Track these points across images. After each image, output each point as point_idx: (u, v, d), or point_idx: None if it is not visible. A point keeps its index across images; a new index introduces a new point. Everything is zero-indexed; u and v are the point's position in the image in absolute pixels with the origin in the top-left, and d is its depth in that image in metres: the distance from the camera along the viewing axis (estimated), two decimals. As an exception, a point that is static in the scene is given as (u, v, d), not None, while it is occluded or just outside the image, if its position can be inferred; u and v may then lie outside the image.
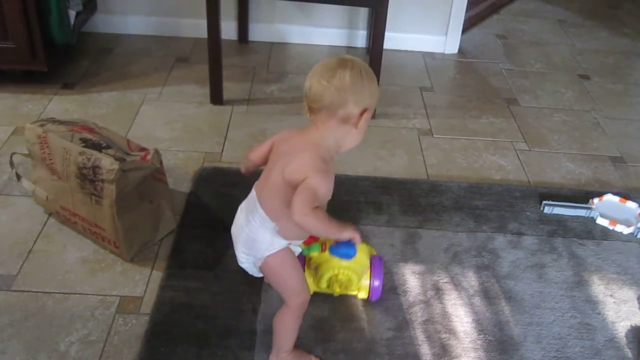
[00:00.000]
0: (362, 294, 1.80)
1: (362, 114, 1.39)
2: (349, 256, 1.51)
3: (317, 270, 1.72)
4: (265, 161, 1.55)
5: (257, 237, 1.49)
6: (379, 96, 1.45)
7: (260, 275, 1.58)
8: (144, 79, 2.93)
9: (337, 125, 1.40)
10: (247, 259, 1.53)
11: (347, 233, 1.43)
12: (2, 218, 2.04)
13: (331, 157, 1.44)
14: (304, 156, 1.40)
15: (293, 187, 1.38)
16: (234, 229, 1.56)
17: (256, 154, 1.59)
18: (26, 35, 2.56)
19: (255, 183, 1.54)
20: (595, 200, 2.26)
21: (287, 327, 1.57)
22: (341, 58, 1.40)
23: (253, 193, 1.53)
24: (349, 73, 1.36)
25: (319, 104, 1.38)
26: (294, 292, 1.54)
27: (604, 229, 2.17)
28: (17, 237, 1.97)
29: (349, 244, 1.47)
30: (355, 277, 1.71)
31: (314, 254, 1.70)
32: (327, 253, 1.66)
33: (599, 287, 1.94)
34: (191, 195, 2.19)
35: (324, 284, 1.73)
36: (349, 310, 1.79)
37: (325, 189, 1.39)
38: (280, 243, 1.49)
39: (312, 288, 1.74)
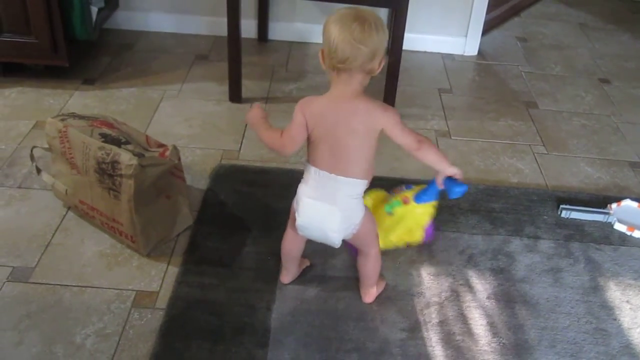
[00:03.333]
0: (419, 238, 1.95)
1: (380, 62, 1.51)
2: (463, 191, 1.65)
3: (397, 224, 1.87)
4: (301, 144, 1.61)
5: (352, 207, 1.61)
6: None
7: (339, 244, 1.66)
8: (163, 75, 2.95)
9: (363, 76, 1.52)
10: (343, 234, 1.64)
11: (455, 168, 1.65)
12: (21, 211, 2.06)
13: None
14: (365, 110, 1.53)
15: (374, 137, 1.55)
16: (312, 221, 1.63)
17: (297, 140, 1.59)
18: (48, 31, 2.59)
19: (318, 167, 1.58)
20: (614, 205, 2.24)
21: (378, 268, 1.78)
22: (358, 13, 1.47)
23: (322, 175, 1.57)
24: (374, 29, 1.45)
25: (351, 65, 1.47)
26: (376, 241, 1.74)
27: (621, 235, 2.16)
28: (35, 229, 1.99)
29: (456, 181, 1.65)
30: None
31: (398, 208, 1.84)
32: (410, 205, 1.83)
33: (615, 293, 1.92)
34: (208, 192, 2.20)
35: (402, 235, 1.89)
36: (362, 310, 1.79)
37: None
38: (362, 202, 1.64)
39: (382, 244, 1.84)
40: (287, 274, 1.86)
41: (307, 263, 1.91)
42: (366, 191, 1.81)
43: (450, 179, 1.66)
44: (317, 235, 1.67)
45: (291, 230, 1.75)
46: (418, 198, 1.82)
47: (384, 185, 2.25)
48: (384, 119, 1.54)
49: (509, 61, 3.37)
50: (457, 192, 1.65)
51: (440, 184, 1.71)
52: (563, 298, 1.89)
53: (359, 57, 1.45)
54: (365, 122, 1.53)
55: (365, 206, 1.66)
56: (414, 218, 1.87)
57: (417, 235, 1.93)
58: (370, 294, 1.81)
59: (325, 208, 1.59)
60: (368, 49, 1.45)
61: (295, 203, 1.67)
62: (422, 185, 1.84)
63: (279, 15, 3.34)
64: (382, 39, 1.48)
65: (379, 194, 1.95)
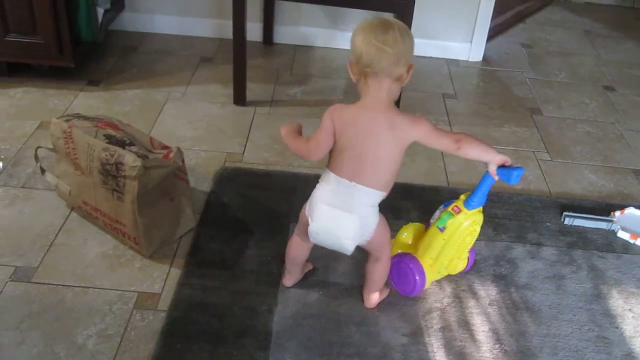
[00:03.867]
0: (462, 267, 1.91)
1: (408, 70, 1.52)
2: (522, 173, 1.63)
3: (447, 242, 1.79)
4: (327, 151, 1.61)
5: (369, 214, 1.61)
6: None
7: (352, 251, 1.66)
8: (168, 78, 2.96)
9: (391, 84, 1.52)
10: (358, 241, 1.64)
11: (502, 155, 1.63)
12: (25, 211, 2.06)
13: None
14: (395, 122, 1.54)
15: (402, 150, 1.57)
16: (327, 228, 1.61)
17: (320, 149, 1.60)
18: (54, 31, 2.59)
19: (338, 174, 1.57)
20: (617, 213, 2.24)
21: (385, 273, 1.77)
22: (383, 20, 1.51)
23: (342, 183, 1.57)
24: (399, 33, 1.47)
25: (376, 68, 1.48)
26: (389, 245, 1.75)
27: (624, 243, 2.15)
28: (39, 230, 1.99)
29: (509, 167, 1.63)
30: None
31: (449, 221, 1.76)
32: (462, 213, 1.75)
33: (617, 301, 1.92)
34: (211, 194, 2.20)
35: (451, 263, 1.84)
36: (364, 314, 1.79)
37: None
38: (378, 212, 1.65)
39: (434, 277, 1.86)
40: (290, 278, 1.85)
41: (310, 267, 1.91)
42: (405, 226, 1.90)
43: (502, 167, 1.64)
44: (329, 242, 1.66)
45: (298, 237, 1.75)
46: (468, 204, 1.75)
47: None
48: (415, 131, 1.56)
49: (513, 67, 3.38)
50: (517, 175, 1.62)
51: (494, 175, 1.67)
52: (565, 305, 1.89)
53: (384, 59, 1.46)
54: (395, 135, 1.55)
55: (380, 213, 1.66)
56: (462, 236, 1.78)
57: (462, 264, 1.89)
58: (372, 299, 1.80)
59: (343, 215, 1.58)
60: (392, 50, 1.46)
61: (308, 209, 1.65)
62: (467, 193, 1.79)
63: (284, 19, 3.34)
64: (407, 45, 1.49)
65: (417, 226, 1.93)
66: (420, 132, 1.56)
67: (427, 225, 1.90)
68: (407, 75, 1.53)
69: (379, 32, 1.47)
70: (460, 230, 1.76)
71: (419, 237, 1.89)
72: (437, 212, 1.85)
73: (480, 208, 1.78)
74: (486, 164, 1.67)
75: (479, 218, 1.78)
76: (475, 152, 1.61)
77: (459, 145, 1.58)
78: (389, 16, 1.54)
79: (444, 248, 1.79)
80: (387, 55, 1.46)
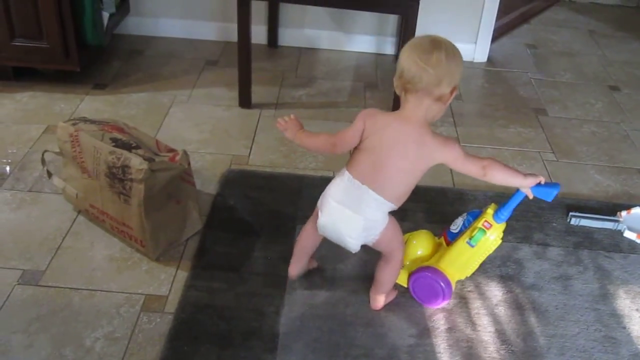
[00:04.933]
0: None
1: (452, 91, 1.52)
2: (558, 191, 1.63)
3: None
4: (350, 148, 1.63)
5: (375, 219, 1.61)
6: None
7: (357, 250, 1.68)
8: (173, 81, 2.97)
9: (431, 103, 1.52)
10: (363, 241, 1.65)
11: (532, 177, 1.62)
12: (32, 214, 2.07)
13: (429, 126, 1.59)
14: (425, 141, 1.55)
15: (423, 169, 1.59)
16: (334, 224, 1.63)
17: (344, 144, 1.63)
18: (60, 36, 2.61)
19: (353, 174, 1.59)
20: (623, 213, 2.24)
21: (395, 276, 1.78)
22: (433, 39, 1.51)
23: (354, 184, 1.59)
24: (444, 55, 1.47)
25: (416, 86, 1.49)
26: (401, 245, 1.74)
27: (631, 243, 2.15)
28: (46, 233, 2.00)
29: (544, 185, 1.63)
30: None
31: (481, 239, 1.74)
32: (492, 228, 1.74)
33: (624, 301, 1.92)
34: (218, 197, 2.21)
35: (482, 260, 1.81)
36: (371, 315, 1.79)
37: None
38: (387, 215, 1.64)
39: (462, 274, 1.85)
40: (296, 266, 1.85)
41: (315, 264, 1.92)
42: (411, 234, 1.90)
43: (537, 186, 1.64)
44: (335, 237, 1.68)
45: (310, 227, 1.76)
46: (499, 218, 1.73)
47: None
48: (443, 154, 1.56)
49: (518, 68, 3.37)
50: (553, 194, 1.63)
51: (530, 195, 1.66)
52: (572, 306, 1.88)
53: (424, 78, 1.47)
54: (421, 152, 1.56)
55: (390, 216, 1.66)
56: (489, 249, 1.78)
57: (472, 271, 1.87)
58: (379, 301, 1.80)
59: (349, 215, 1.60)
60: (434, 71, 1.47)
61: (320, 202, 1.67)
62: (494, 205, 1.77)
63: (289, 21, 3.35)
64: (451, 66, 1.49)
65: (425, 234, 1.91)
66: (449, 156, 1.57)
67: (445, 231, 1.88)
68: (450, 97, 1.53)
69: (425, 51, 1.48)
70: (489, 244, 1.76)
71: (429, 247, 1.88)
72: (460, 221, 1.84)
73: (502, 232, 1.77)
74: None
75: (503, 227, 1.77)
76: (502, 177, 1.61)
77: (485, 172, 1.58)
78: (434, 36, 1.54)
79: (470, 260, 1.79)
80: (428, 75, 1.47)
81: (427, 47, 1.48)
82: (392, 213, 1.67)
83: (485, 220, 1.74)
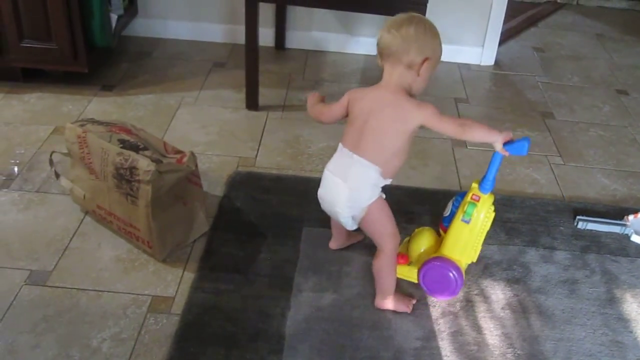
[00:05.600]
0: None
1: (422, 62, 1.62)
2: (529, 143, 1.66)
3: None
4: (336, 119, 1.78)
5: (360, 188, 1.67)
6: (442, 51, 1.68)
7: (355, 227, 1.76)
8: (181, 82, 2.97)
9: (404, 71, 1.64)
10: (348, 212, 1.70)
11: (505, 132, 1.67)
12: (40, 215, 2.08)
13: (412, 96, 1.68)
14: (404, 106, 1.64)
15: (404, 132, 1.65)
16: (326, 193, 1.74)
17: (330, 114, 1.78)
18: (69, 37, 2.62)
19: (342, 143, 1.71)
20: (630, 217, 2.23)
21: (386, 270, 1.77)
22: (410, 15, 1.65)
23: (343, 152, 1.69)
24: (414, 27, 1.61)
25: (387, 51, 1.64)
26: (390, 235, 1.74)
27: (638, 247, 2.14)
28: (53, 234, 2.01)
29: (516, 141, 1.66)
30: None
31: (473, 212, 1.78)
32: (481, 200, 1.79)
33: (631, 305, 1.91)
34: (224, 198, 2.21)
35: (481, 238, 1.84)
36: (377, 318, 1.79)
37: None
38: (377, 192, 1.70)
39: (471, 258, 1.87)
40: (335, 242, 1.99)
41: (359, 238, 2.00)
42: (413, 234, 1.94)
43: (510, 144, 1.67)
44: (330, 209, 1.76)
45: None
46: (484, 188, 1.78)
47: (400, 193, 2.26)
48: (419, 115, 1.63)
49: (525, 71, 3.37)
50: (526, 146, 1.65)
51: (505, 152, 1.68)
52: (579, 309, 1.88)
53: (394, 44, 1.61)
54: (398, 114, 1.64)
55: (382, 198, 1.71)
56: (484, 223, 1.81)
57: (477, 253, 1.89)
58: (377, 301, 1.81)
59: (336, 182, 1.68)
60: (401, 37, 1.60)
61: None
62: (477, 180, 1.83)
63: (296, 24, 3.36)
64: (419, 36, 1.61)
65: (427, 231, 1.94)
66: (424, 114, 1.63)
67: (441, 222, 1.93)
68: (421, 67, 1.63)
69: (398, 23, 1.62)
70: (482, 218, 1.79)
71: (431, 242, 1.90)
72: (451, 206, 1.88)
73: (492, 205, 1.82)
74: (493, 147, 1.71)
75: (492, 199, 1.82)
76: (480, 135, 1.67)
77: (463, 130, 1.65)
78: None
79: (471, 238, 1.81)
80: (397, 42, 1.61)
81: (401, 20, 1.63)
82: (397, 217, 1.67)
83: (473, 194, 1.79)
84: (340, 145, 1.72)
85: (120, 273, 1.89)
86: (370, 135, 1.65)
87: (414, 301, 1.84)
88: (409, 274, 1.88)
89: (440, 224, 1.97)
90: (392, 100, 1.65)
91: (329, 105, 1.79)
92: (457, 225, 1.80)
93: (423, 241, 1.91)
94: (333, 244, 2.00)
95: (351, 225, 1.75)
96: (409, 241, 1.94)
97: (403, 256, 1.89)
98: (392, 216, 1.75)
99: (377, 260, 1.77)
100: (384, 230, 1.74)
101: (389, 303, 1.80)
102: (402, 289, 1.88)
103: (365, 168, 1.65)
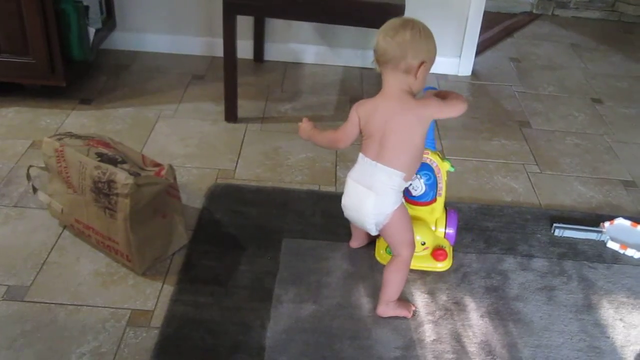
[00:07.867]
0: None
1: (419, 66, 1.68)
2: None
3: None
4: (353, 140, 1.83)
5: (385, 194, 1.73)
6: (436, 51, 1.73)
7: (377, 232, 1.80)
8: (160, 95, 2.97)
9: (402, 76, 1.70)
10: (373, 219, 1.75)
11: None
12: (17, 229, 2.07)
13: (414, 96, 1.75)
14: (414, 109, 1.71)
15: (424, 131, 1.74)
16: (351, 202, 1.79)
17: (347, 138, 1.82)
18: (46, 51, 2.61)
19: (362, 153, 1.77)
20: (606, 224, 2.26)
21: (399, 277, 1.81)
22: (404, 19, 1.71)
23: (365, 161, 1.75)
24: (409, 32, 1.66)
25: (384, 58, 1.68)
26: (409, 243, 1.80)
27: (614, 253, 2.17)
28: (31, 248, 1.99)
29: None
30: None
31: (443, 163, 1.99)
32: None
33: (608, 311, 1.93)
34: (204, 211, 2.21)
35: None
36: (357, 328, 1.80)
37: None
38: (400, 197, 1.77)
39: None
40: (354, 242, 2.07)
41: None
42: None
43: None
44: (355, 217, 1.82)
45: None
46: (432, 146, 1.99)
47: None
48: (428, 111, 1.73)
49: (502, 81, 3.41)
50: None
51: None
52: (556, 316, 1.90)
53: (390, 50, 1.66)
54: (410, 120, 1.71)
55: (403, 204, 1.79)
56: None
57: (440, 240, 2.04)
58: (380, 308, 1.83)
59: (362, 191, 1.74)
60: (396, 42, 1.65)
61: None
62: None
63: (275, 36, 3.37)
64: (414, 40, 1.66)
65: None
66: (432, 110, 1.73)
67: (408, 198, 2.01)
68: (418, 70, 1.68)
69: (392, 29, 1.67)
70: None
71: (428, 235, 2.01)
72: (417, 180, 1.98)
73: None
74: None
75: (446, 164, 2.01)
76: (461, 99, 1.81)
77: (459, 105, 1.77)
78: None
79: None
80: (393, 48, 1.65)
81: (395, 26, 1.67)
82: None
83: (430, 159, 1.96)
84: (360, 155, 1.77)
85: (99, 287, 1.88)
86: (391, 145, 1.71)
87: (414, 307, 1.87)
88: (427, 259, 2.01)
89: (406, 199, 2.02)
90: (402, 106, 1.71)
91: (341, 129, 1.82)
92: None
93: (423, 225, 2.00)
94: (354, 243, 2.06)
95: (375, 231, 1.79)
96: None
97: (443, 251, 2.01)
98: (412, 224, 1.81)
99: (392, 265, 1.80)
100: (404, 238, 1.79)
101: (391, 310, 1.82)
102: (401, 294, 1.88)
103: (390, 175, 1.72)
